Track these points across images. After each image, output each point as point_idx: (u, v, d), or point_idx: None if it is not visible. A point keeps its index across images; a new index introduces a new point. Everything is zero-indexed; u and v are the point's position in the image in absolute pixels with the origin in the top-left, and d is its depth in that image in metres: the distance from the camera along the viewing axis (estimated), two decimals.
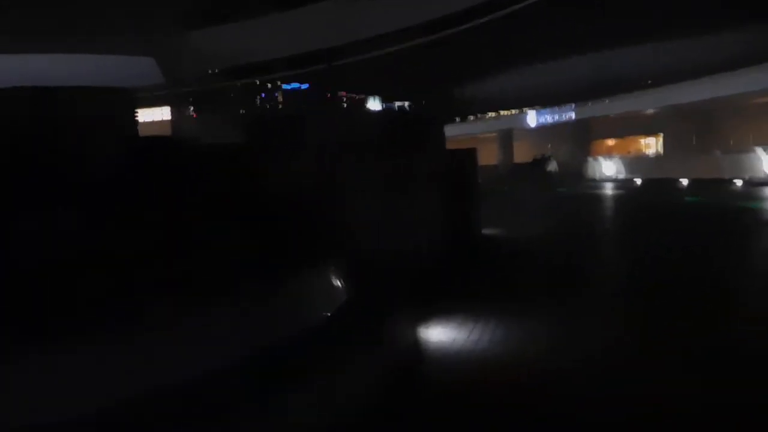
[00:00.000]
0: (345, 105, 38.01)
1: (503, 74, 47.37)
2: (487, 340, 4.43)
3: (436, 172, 7.21)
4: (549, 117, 42.76)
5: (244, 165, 4.09)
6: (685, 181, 23.80)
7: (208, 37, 55.34)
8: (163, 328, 2.82)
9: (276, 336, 3.14)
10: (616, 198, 20.35)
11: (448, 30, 47.70)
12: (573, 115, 41.11)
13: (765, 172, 21.47)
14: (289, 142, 4.98)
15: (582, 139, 44.51)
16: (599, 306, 5.65)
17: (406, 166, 6.12)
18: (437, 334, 4.52)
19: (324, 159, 4.74)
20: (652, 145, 44.34)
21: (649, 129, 41.79)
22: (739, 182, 21.32)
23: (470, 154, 10.58)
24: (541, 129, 44.96)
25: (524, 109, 44.90)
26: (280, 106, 44.71)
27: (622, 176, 30.74)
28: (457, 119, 48.42)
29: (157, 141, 4.96)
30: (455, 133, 43.84)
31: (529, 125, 44.31)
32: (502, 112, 47.77)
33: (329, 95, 35.81)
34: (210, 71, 59.28)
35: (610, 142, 46.84)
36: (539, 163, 36.77)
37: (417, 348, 4.16)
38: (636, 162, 32.72)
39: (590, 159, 35.13)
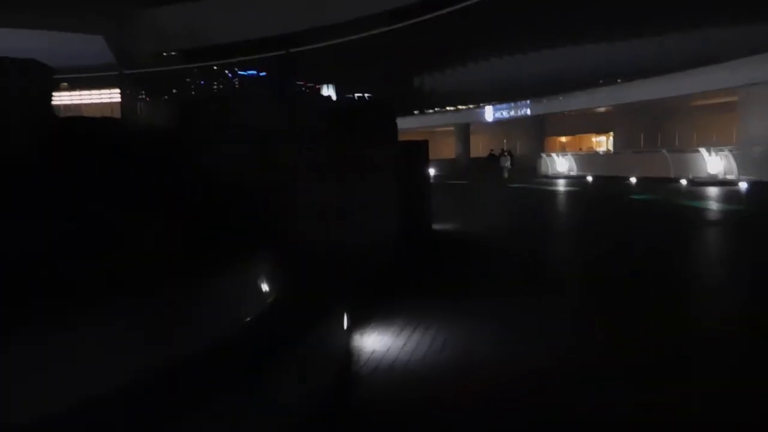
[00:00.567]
0: (300, 92, 37.42)
1: (461, 68, 47.65)
2: (427, 346, 4.21)
3: (383, 162, 6.98)
4: (505, 112, 43.19)
5: (161, 149, 3.75)
6: (633, 179, 24.39)
7: (164, 17, 53.50)
8: (38, 339, 2.15)
9: (179, 348, 2.55)
10: (568, 194, 20.68)
11: (407, 21, 47.60)
12: (528, 111, 41.63)
13: (708, 173, 22.15)
14: (212, 126, 4.66)
15: (536, 135, 45.28)
16: (546, 301, 5.56)
17: (349, 155, 5.88)
18: (373, 339, 4.21)
19: (252, 144, 4.42)
20: (603, 143, 45.44)
21: (600, 127, 42.76)
22: (684, 181, 21.96)
23: (421, 145, 10.41)
24: (497, 124, 45.42)
25: (481, 104, 45.23)
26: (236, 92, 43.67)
27: (573, 173, 31.27)
28: (416, 112, 48.45)
29: (69, 121, 4.54)
30: (413, 125, 43.85)
31: (486, 119, 44.67)
32: (460, 107, 47.99)
33: (286, 82, 35.18)
34: (165, 53, 57.41)
35: (564, 138, 47.79)
36: (495, 157, 37.18)
37: (350, 355, 3.76)
38: (588, 159, 33.35)
39: (544, 155, 35.62)
